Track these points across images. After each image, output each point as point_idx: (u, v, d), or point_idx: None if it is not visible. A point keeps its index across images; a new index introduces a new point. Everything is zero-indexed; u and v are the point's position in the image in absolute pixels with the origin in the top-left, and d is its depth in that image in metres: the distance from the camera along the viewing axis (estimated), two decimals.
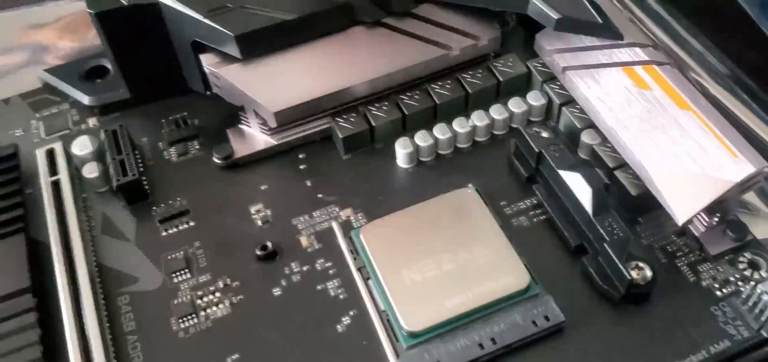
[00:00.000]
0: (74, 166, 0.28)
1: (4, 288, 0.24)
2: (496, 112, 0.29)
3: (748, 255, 0.25)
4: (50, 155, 0.28)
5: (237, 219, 0.27)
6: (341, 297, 0.25)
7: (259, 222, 0.27)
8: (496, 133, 0.29)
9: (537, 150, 0.27)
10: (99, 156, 0.28)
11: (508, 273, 0.24)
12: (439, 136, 0.28)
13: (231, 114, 0.30)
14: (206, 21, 0.27)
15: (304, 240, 0.27)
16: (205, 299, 0.25)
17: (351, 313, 0.24)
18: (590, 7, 0.28)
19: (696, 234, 0.25)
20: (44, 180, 0.27)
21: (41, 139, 0.30)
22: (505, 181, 0.28)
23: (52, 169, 0.28)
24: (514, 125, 0.29)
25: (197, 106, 0.31)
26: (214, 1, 0.27)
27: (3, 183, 0.27)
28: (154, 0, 0.27)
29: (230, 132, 0.29)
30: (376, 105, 0.29)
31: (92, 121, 0.31)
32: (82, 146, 0.28)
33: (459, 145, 0.29)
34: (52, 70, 0.32)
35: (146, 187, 0.28)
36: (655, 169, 0.25)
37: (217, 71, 0.28)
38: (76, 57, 0.33)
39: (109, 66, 0.32)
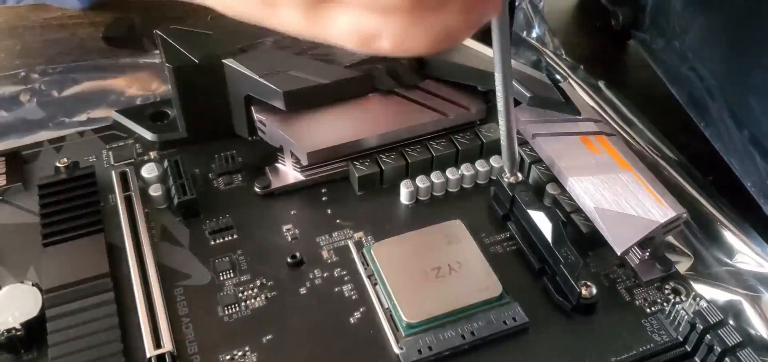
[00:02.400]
0: (140, 186, 0.35)
1: (88, 272, 0.30)
2: (480, 165, 0.37)
3: (672, 283, 0.32)
4: (123, 176, 0.35)
5: (272, 235, 0.34)
6: (354, 297, 0.31)
7: (289, 238, 0.34)
8: (479, 182, 0.37)
9: (511, 194, 0.34)
10: (162, 179, 0.35)
11: (485, 285, 0.31)
12: (435, 181, 0.36)
13: (268, 154, 0.37)
14: (261, 80, 0.34)
15: (324, 253, 0.33)
16: (245, 293, 0.31)
17: (361, 310, 0.31)
18: (556, 90, 0.36)
19: (632, 265, 0.33)
20: (119, 195, 0.34)
21: (111, 165, 0.37)
22: (485, 218, 0.35)
23: (125, 187, 0.35)
24: (493, 177, 0.37)
25: (240, 147, 0.38)
26: (265, 65, 0.35)
27: (85, 195, 0.34)
28: (219, 63, 0.35)
29: (268, 168, 0.36)
30: (386, 154, 0.36)
31: (153, 154, 0.38)
32: (149, 171, 0.35)
33: (450, 189, 0.36)
34: (123, 111, 0.39)
35: (198, 207, 0.35)
36: (600, 212, 0.32)
37: (264, 119, 0.35)
38: (139, 102, 0.40)
39: (169, 111, 0.39)
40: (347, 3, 0.23)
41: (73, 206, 0.33)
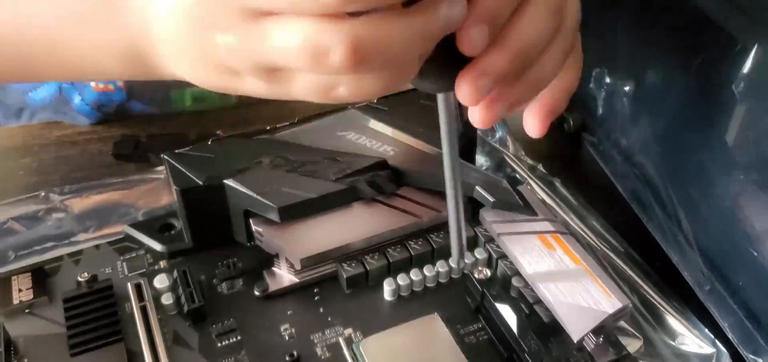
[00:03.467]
0: (153, 294, 0.40)
1: None
2: (453, 262, 0.42)
3: None
4: (138, 288, 0.40)
5: (271, 334, 0.38)
6: None
7: (287, 337, 0.38)
8: (453, 277, 0.42)
9: (481, 289, 0.39)
10: (172, 288, 0.40)
11: None
12: (414, 278, 0.40)
13: (265, 259, 0.41)
14: (257, 197, 0.39)
15: (318, 350, 0.38)
16: None
17: None
18: (515, 195, 0.41)
19: (588, 349, 0.37)
20: (135, 305, 0.38)
21: (125, 276, 0.41)
22: (460, 309, 0.40)
23: (140, 298, 0.39)
24: (466, 272, 0.42)
25: (240, 253, 0.42)
26: (261, 183, 0.40)
27: (104, 306, 0.38)
28: (220, 183, 0.40)
29: (266, 272, 0.41)
30: (370, 254, 0.41)
31: (163, 263, 0.42)
32: (161, 281, 0.40)
33: (428, 285, 0.41)
34: (134, 225, 0.43)
35: (206, 312, 0.39)
36: (558, 305, 0.37)
37: (261, 230, 0.40)
38: (148, 215, 0.45)
39: (175, 222, 0.44)
40: (300, 69, 0.27)
41: (95, 317, 0.37)
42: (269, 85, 0.28)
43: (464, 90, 0.28)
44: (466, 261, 0.39)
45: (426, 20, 0.25)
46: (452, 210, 0.35)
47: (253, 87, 0.28)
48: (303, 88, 0.27)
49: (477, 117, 0.30)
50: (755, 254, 0.35)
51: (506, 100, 0.30)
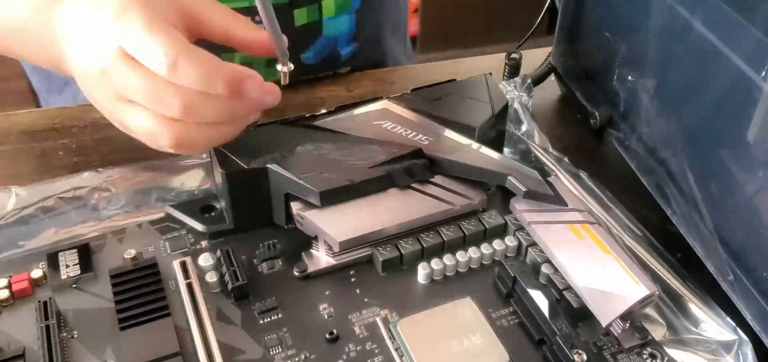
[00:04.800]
0: (197, 273, 0.41)
1: (161, 351, 0.36)
2: (485, 248, 0.43)
3: (649, 349, 0.39)
4: (183, 265, 0.41)
5: (311, 313, 0.40)
6: None
7: (326, 316, 0.40)
8: (484, 263, 0.43)
9: (513, 275, 0.41)
10: (216, 267, 0.41)
11: (494, 355, 0.37)
12: (447, 263, 0.42)
13: (303, 241, 0.43)
14: (300, 181, 0.41)
15: (356, 329, 0.39)
16: None
17: None
18: (546, 185, 0.43)
19: (615, 334, 0.39)
20: (182, 282, 0.40)
21: (168, 254, 0.43)
22: (491, 295, 0.41)
23: (185, 275, 0.41)
24: (496, 258, 0.43)
25: (279, 236, 0.44)
26: (302, 169, 0.42)
27: (151, 282, 0.40)
28: (264, 167, 0.41)
29: (305, 254, 0.43)
30: (405, 240, 0.43)
31: (204, 243, 0.44)
32: (205, 260, 0.41)
33: (460, 270, 0.43)
34: (176, 206, 0.45)
35: (248, 290, 0.41)
36: (588, 291, 0.39)
37: (303, 214, 0.42)
38: (185, 197, 0.46)
39: (216, 204, 0.45)
40: (140, 105, 0.39)
41: (142, 293, 0.39)
42: (113, 110, 0.41)
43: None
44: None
45: (237, 123, 0.41)
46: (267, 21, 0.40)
47: (102, 106, 0.43)
48: (137, 126, 0.40)
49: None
50: None
51: None
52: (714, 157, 0.42)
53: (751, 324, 0.38)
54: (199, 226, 0.44)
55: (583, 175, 0.48)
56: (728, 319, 0.39)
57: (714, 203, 0.42)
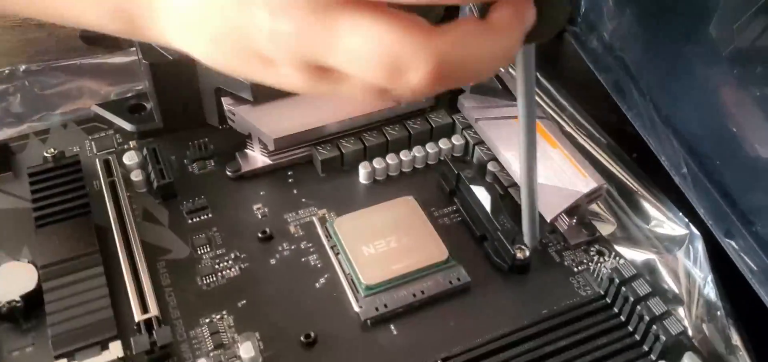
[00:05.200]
0: (122, 173, 0.39)
1: (79, 249, 0.34)
2: (430, 148, 0.41)
3: (596, 246, 0.37)
4: (107, 163, 0.39)
5: (243, 213, 0.38)
6: (318, 265, 0.35)
7: (259, 216, 0.38)
8: (429, 162, 0.41)
9: (456, 172, 0.38)
10: (142, 166, 0.39)
11: (433, 251, 0.35)
12: (390, 162, 0.40)
13: (238, 141, 0.41)
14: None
15: (291, 229, 0.37)
16: (221, 264, 0.35)
17: (325, 276, 0.35)
18: (495, 79, 0.40)
19: (561, 230, 0.37)
20: (104, 180, 0.38)
21: (94, 154, 0.40)
22: (434, 194, 0.39)
23: (109, 173, 0.38)
24: (442, 157, 0.41)
25: (211, 135, 0.41)
26: None
27: (72, 181, 0.37)
28: (192, 58, 0.38)
29: (238, 153, 0.40)
30: (346, 139, 0.40)
31: (132, 143, 0.41)
32: (130, 158, 0.39)
33: (403, 170, 0.41)
34: (103, 105, 0.42)
35: (175, 189, 0.38)
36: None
37: (234, 109, 0.39)
38: (115, 97, 0.44)
39: (145, 104, 0.42)
40: (363, 76, 0.21)
41: (62, 191, 0.36)
42: (312, 82, 0.22)
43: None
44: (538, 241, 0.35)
45: (510, 40, 0.22)
46: (526, 195, 0.31)
47: (287, 80, 0.23)
48: (354, 90, 0.22)
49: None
50: (734, 134, 0.35)
51: None
52: (672, 50, 0.40)
53: (703, 217, 0.36)
54: (126, 125, 0.41)
55: (538, 73, 0.45)
56: (681, 214, 0.38)
57: (671, 96, 0.39)
